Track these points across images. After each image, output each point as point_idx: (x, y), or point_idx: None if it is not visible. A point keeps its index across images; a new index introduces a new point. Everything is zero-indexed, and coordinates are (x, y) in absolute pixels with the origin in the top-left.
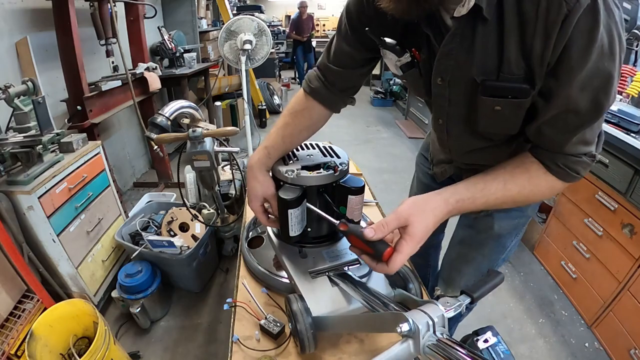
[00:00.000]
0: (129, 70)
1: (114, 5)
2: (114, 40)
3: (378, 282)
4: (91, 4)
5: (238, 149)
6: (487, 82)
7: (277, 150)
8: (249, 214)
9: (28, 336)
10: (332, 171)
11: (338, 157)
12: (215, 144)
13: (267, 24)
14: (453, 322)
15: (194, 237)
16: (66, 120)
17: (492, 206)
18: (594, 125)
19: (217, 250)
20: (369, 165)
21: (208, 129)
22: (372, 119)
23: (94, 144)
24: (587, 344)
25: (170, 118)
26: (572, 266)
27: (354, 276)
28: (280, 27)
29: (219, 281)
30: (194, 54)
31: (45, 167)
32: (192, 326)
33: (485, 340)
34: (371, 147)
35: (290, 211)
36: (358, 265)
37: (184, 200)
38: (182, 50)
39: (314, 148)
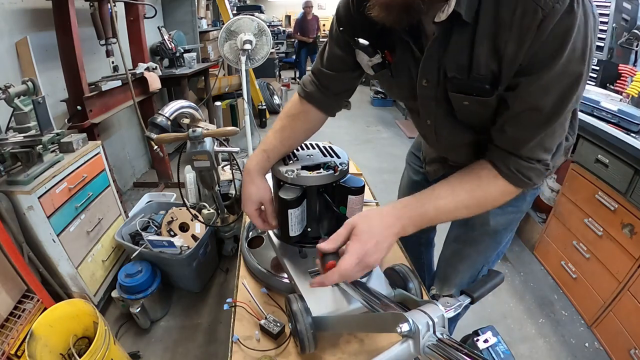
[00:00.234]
0: (129, 70)
1: (114, 5)
2: (114, 40)
3: (378, 282)
4: (91, 4)
5: (238, 149)
6: (454, 80)
7: (276, 154)
8: None
9: (28, 336)
10: (332, 171)
11: (338, 157)
12: (215, 144)
13: (267, 24)
14: (451, 321)
15: (194, 237)
16: (66, 120)
17: (445, 213)
18: (556, 131)
19: (217, 250)
20: (369, 165)
21: (208, 129)
22: (372, 119)
23: (94, 144)
24: (587, 344)
25: (170, 118)
26: (572, 266)
27: None
28: (280, 27)
29: (219, 281)
30: (194, 54)
31: (45, 167)
32: (192, 326)
33: (485, 340)
34: (371, 147)
35: (290, 211)
36: None
37: (184, 200)
38: (182, 50)
39: (314, 148)
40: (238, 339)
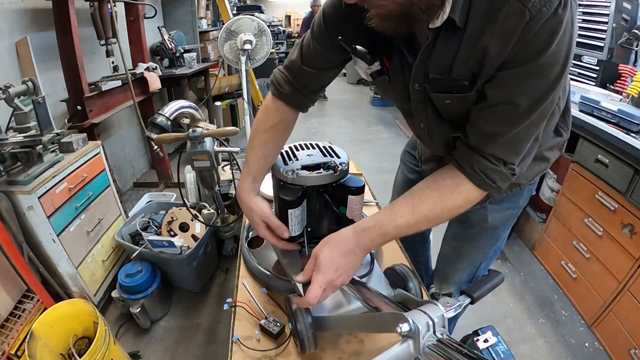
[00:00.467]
0: (129, 70)
1: (114, 5)
2: (114, 40)
3: (378, 282)
4: (91, 4)
5: (238, 149)
6: (434, 80)
7: (261, 172)
8: None
9: (28, 336)
10: (332, 171)
11: (338, 157)
12: (215, 144)
13: (267, 24)
14: (450, 320)
15: (194, 237)
16: (66, 120)
17: (406, 229)
18: (527, 132)
19: (217, 250)
20: (369, 165)
21: (208, 129)
22: (372, 119)
23: (94, 144)
24: (587, 344)
25: (170, 118)
26: (572, 266)
27: (354, 276)
28: (280, 27)
29: (219, 281)
30: (194, 54)
31: (45, 167)
32: (192, 326)
33: (486, 340)
34: (371, 147)
35: (290, 211)
36: None
37: (184, 200)
38: (182, 50)
39: (314, 148)
40: (238, 339)
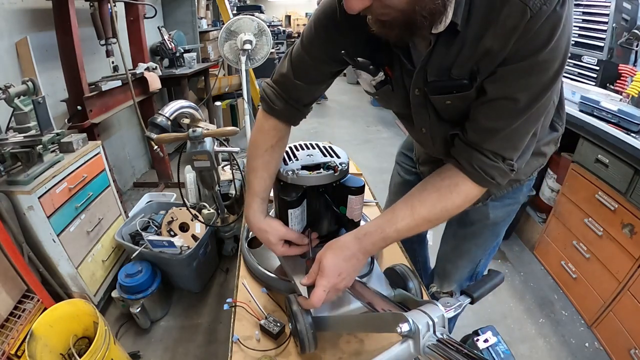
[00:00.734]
0: (129, 70)
1: (114, 5)
2: (114, 40)
3: (378, 282)
4: (91, 4)
5: (238, 149)
6: (433, 83)
7: (267, 191)
8: None
9: (28, 336)
10: (332, 171)
11: (338, 157)
12: (215, 144)
13: (267, 24)
14: (450, 320)
15: (194, 237)
16: (66, 120)
17: (407, 231)
18: (526, 126)
19: (217, 250)
20: (369, 165)
21: (208, 129)
22: (372, 119)
23: (94, 144)
24: (587, 344)
25: (170, 118)
26: (572, 266)
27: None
28: (280, 27)
29: (219, 281)
30: (194, 54)
31: (45, 167)
32: (192, 326)
33: (486, 340)
34: (371, 147)
35: (290, 211)
36: None
37: (184, 200)
38: (182, 50)
39: (314, 148)
40: (238, 339)
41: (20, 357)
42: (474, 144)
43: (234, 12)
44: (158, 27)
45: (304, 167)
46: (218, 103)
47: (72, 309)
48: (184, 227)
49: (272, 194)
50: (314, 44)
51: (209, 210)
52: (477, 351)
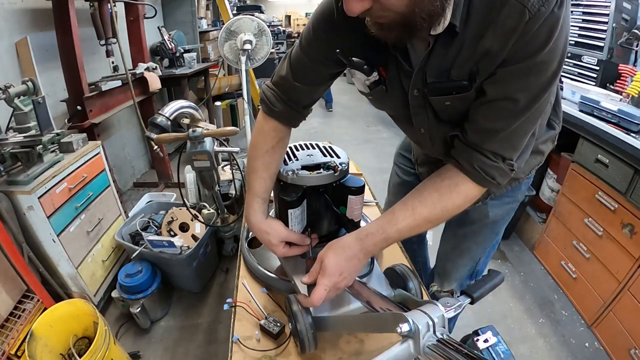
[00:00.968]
0: (129, 70)
1: (114, 5)
2: (114, 40)
3: (378, 282)
4: (91, 4)
5: (238, 149)
6: (432, 84)
7: (268, 192)
8: None
9: (28, 336)
10: (332, 171)
11: (338, 157)
12: (215, 144)
13: (267, 24)
14: (450, 319)
15: (194, 237)
16: (66, 120)
17: (408, 232)
18: (525, 127)
19: (217, 250)
20: (369, 165)
21: (208, 129)
22: (372, 119)
23: (94, 144)
24: (587, 344)
25: (170, 118)
26: (572, 266)
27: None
28: (280, 27)
29: (219, 281)
30: (194, 54)
31: (45, 167)
32: (192, 326)
33: (486, 340)
34: (371, 147)
35: (290, 211)
36: None
37: (184, 200)
38: (182, 50)
39: (314, 148)
40: (238, 339)
41: (20, 357)
42: (474, 144)
43: (234, 12)
44: (158, 27)
45: (304, 167)
46: (218, 103)
47: (72, 309)
48: (184, 227)
49: (272, 194)
50: (312, 45)
51: (209, 210)
52: (477, 351)
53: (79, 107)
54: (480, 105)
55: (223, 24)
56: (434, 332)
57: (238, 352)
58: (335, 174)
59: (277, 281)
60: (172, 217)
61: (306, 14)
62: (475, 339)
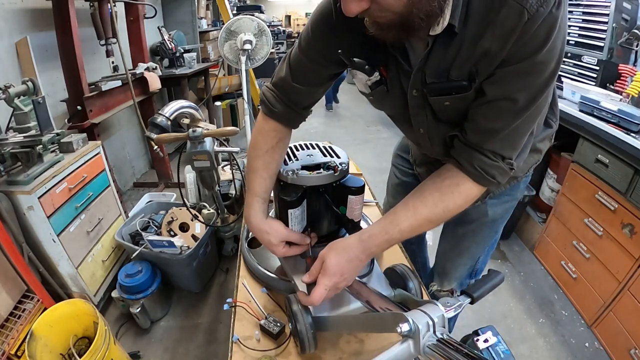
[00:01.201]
0: (129, 70)
1: (114, 5)
2: (114, 40)
3: (378, 282)
4: (91, 4)
5: (238, 149)
6: (431, 85)
7: (268, 192)
8: None
9: (28, 336)
10: (332, 171)
11: (338, 157)
12: (215, 144)
13: (267, 24)
14: (449, 320)
15: (194, 237)
16: (66, 120)
17: (409, 232)
18: (525, 125)
19: (217, 250)
20: (369, 165)
21: (208, 129)
22: (372, 119)
23: (94, 144)
24: (587, 344)
25: (170, 118)
26: (572, 266)
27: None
28: (280, 27)
29: (219, 281)
30: (194, 54)
31: (45, 167)
32: (192, 326)
33: (485, 340)
34: (371, 147)
35: (290, 211)
36: None
37: (184, 200)
38: (182, 50)
39: (314, 148)
40: (238, 339)
41: (20, 357)
42: (474, 144)
43: (234, 12)
44: (158, 27)
45: (304, 167)
46: (218, 103)
47: (72, 309)
48: (184, 227)
49: (272, 194)
50: (311, 46)
51: (209, 210)
52: (477, 351)
53: (79, 107)
54: (480, 105)
55: (223, 24)
56: (434, 332)
57: (238, 352)
58: (335, 174)
59: (277, 281)
60: (172, 217)
61: (306, 14)
62: (475, 339)
